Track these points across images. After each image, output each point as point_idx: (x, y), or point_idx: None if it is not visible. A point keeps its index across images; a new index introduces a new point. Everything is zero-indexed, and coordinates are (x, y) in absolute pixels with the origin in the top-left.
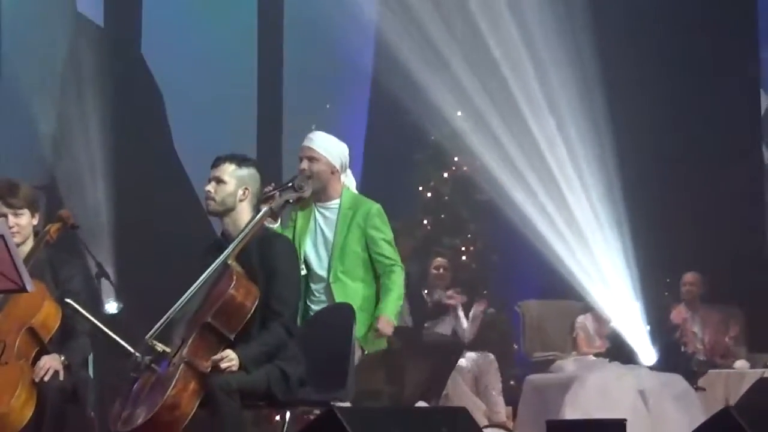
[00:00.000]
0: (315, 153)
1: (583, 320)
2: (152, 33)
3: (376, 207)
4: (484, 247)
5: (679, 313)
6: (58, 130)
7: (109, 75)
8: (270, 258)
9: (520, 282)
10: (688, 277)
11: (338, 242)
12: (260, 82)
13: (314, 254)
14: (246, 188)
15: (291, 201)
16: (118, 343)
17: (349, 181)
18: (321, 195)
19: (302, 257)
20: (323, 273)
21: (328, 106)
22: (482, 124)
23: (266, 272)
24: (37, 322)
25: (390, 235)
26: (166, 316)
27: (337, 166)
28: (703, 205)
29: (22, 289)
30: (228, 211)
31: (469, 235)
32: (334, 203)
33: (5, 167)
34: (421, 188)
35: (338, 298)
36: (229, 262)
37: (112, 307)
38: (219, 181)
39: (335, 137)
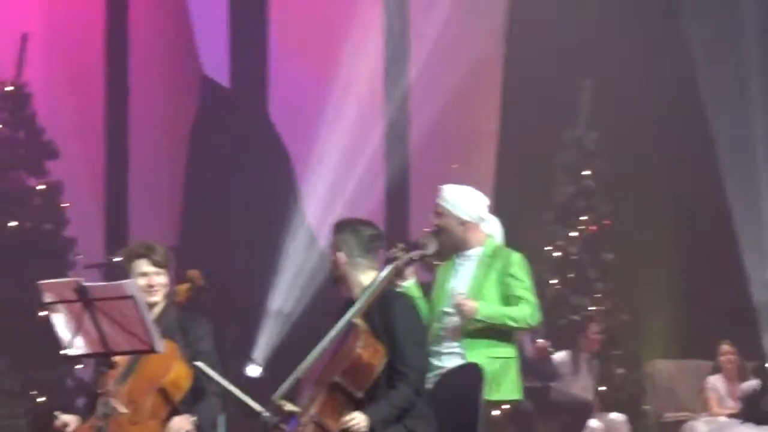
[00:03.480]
0: (440, 208)
1: (714, 381)
2: (279, 92)
3: (517, 255)
4: (613, 307)
5: None
6: (185, 191)
7: (236, 137)
8: (390, 318)
9: (649, 341)
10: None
11: (474, 286)
12: (387, 141)
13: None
14: (342, 253)
15: (415, 259)
16: (248, 403)
17: (494, 229)
18: (460, 247)
19: (439, 310)
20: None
21: (454, 166)
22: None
23: (389, 332)
24: (168, 383)
25: (529, 284)
26: (293, 376)
27: (467, 218)
28: None
29: (153, 350)
30: (340, 278)
31: (598, 295)
32: (474, 252)
33: (139, 227)
34: (549, 248)
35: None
36: (355, 320)
37: (254, 371)
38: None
39: (469, 189)
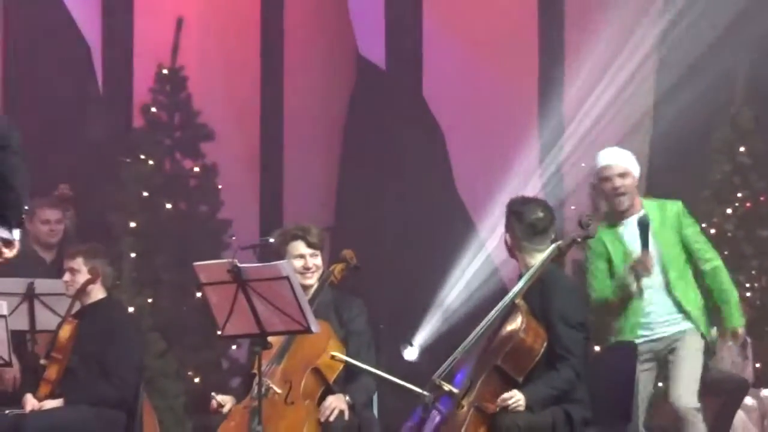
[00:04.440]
0: (623, 169)
1: None
2: (434, 76)
3: (680, 205)
4: None
5: None
6: (339, 177)
7: (391, 118)
8: (551, 300)
9: None
10: None
11: (664, 251)
12: (541, 122)
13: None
14: (508, 234)
15: (579, 240)
16: (401, 384)
17: None
18: (628, 211)
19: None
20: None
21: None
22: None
23: (549, 314)
24: (323, 363)
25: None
26: (453, 356)
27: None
28: None
29: (308, 330)
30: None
31: (753, 272)
32: (636, 215)
33: (294, 205)
34: (704, 225)
35: (683, 301)
36: (517, 301)
37: (411, 354)
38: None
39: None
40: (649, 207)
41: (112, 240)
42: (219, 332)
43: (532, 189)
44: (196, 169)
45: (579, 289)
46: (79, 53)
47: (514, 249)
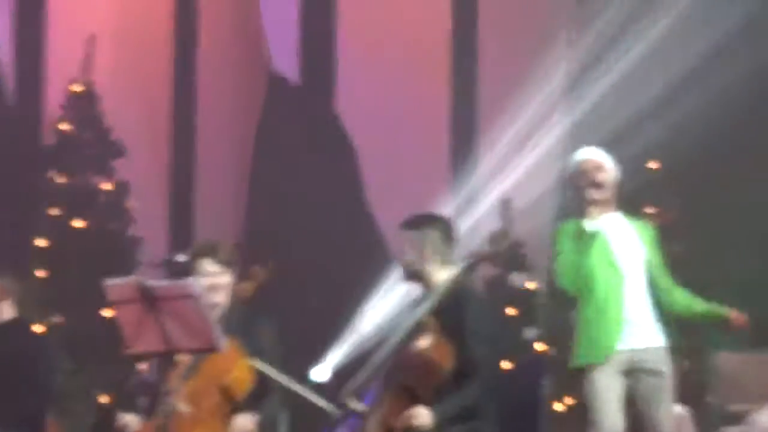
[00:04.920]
0: (600, 163)
1: None
2: (347, 91)
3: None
4: None
5: None
6: (250, 190)
7: (303, 134)
8: (462, 314)
9: (715, 332)
10: None
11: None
12: (452, 137)
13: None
14: (425, 249)
15: (488, 257)
16: (311, 399)
17: None
18: (605, 206)
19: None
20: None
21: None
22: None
23: (460, 329)
24: (231, 381)
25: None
26: (363, 374)
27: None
28: None
29: (216, 348)
30: (415, 274)
31: None
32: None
33: (204, 222)
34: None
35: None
36: (426, 319)
37: (321, 374)
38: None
39: None
40: (625, 218)
41: (22, 258)
42: (127, 350)
43: (444, 206)
44: (107, 186)
45: (491, 305)
46: None
47: (424, 265)
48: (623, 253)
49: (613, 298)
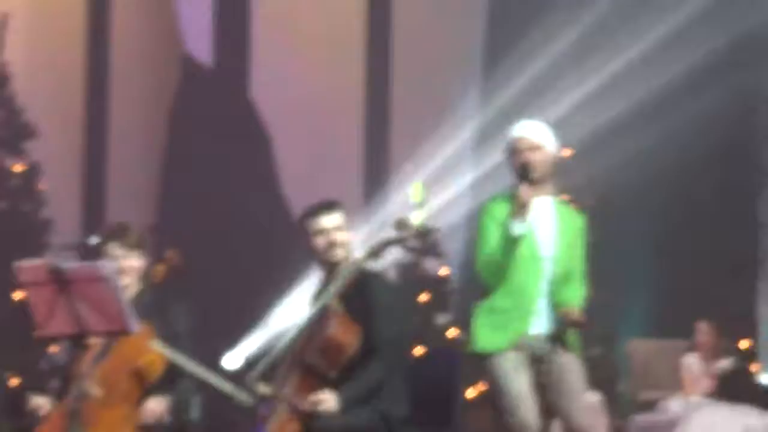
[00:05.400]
0: (534, 142)
1: (690, 360)
2: (262, 74)
3: (583, 220)
4: (589, 286)
5: None
6: (163, 173)
7: (217, 117)
8: (369, 297)
9: (626, 321)
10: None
11: (560, 245)
12: (367, 125)
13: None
14: (347, 232)
15: (394, 241)
16: (221, 387)
17: None
18: (539, 188)
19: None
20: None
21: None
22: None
23: (367, 311)
24: (143, 365)
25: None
26: (268, 358)
27: (556, 156)
28: None
29: (127, 332)
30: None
31: None
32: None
33: (117, 205)
34: None
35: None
36: (330, 303)
37: (232, 361)
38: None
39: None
40: (557, 202)
41: None
42: (38, 332)
43: (356, 192)
44: (19, 167)
45: (398, 288)
46: None
47: (346, 249)
48: (547, 245)
49: (529, 289)
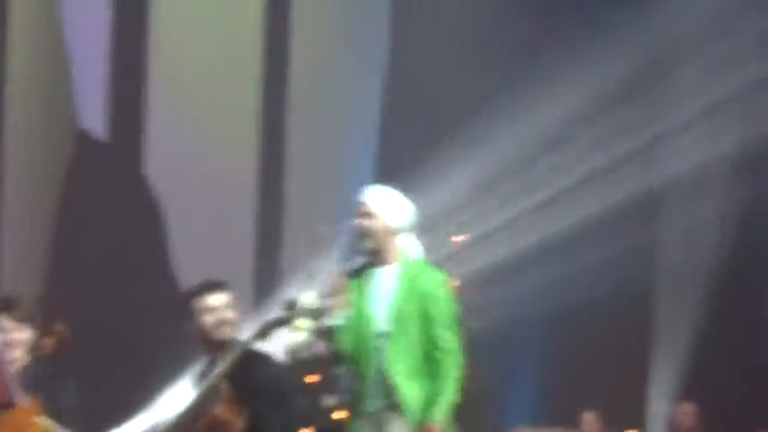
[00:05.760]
0: (368, 209)
1: None
2: (156, 149)
3: (440, 278)
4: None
5: None
6: (53, 246)
7: (110, 191)
8: (254, 378)
9: (513, 407)
10: (686, 407)
11: (398, 305)
12: (261, 198)
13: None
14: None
15: (281, 322)
16: None
17: (411, 248)
18: (376, 260)
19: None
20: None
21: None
22: None
23: (253, 392)
24: None
25: (450, 315)
26: None
27: (396, 227)
28: None
29: (14, 405)
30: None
31: None
32: (390, 268)
33: (6, 278)
34: None
35: (393, 358)
36: (217, 382)
37: None
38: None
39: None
40: (406, 265)
41: None
42: None
43: (247, 270)
44: None
45: (285, 369)
46: None
47: (234, 326)
48: (384, 313)
49: (369, 359)
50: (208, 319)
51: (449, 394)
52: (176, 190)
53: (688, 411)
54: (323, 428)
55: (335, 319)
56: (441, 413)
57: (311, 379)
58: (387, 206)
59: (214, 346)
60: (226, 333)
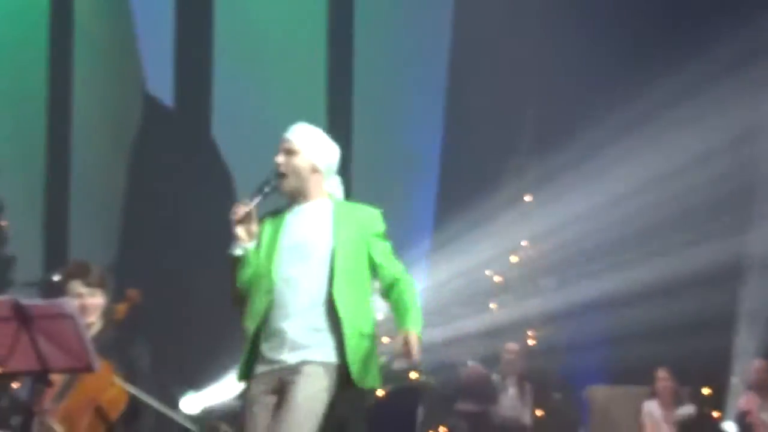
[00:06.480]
0: (292, 145)
1: (650, 406)
2: (224, 114)
3: (379, 212)
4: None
5: (748, 401)
6: (124, 211)
7: (179, 157)
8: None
9: (587, 367)
10: (757, 364)
11: (339, 237)
12: None
13: (295, 268)
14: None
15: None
16: (179, 421)
17: (336, 189)
18: (297, 198)
19: (276, 277)
20: (312, 285)
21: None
22: None
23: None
24: (105, 402)
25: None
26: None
27: (320, 166)
28: None
29: (90, 369)
30: None
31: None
32: (314, 204)
33: (79, 245)
34: (488, 272)
35: (345, 319)
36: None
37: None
38: None
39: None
40: (337, 201)
41: None
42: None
43: None
44: None
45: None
46: None
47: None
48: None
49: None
50: None
51: (418, 306)
52: (243, 151)
53: (761, 368)
54: (397, 388)
55: (237, 248)
56: (419, 323)
57: None
58: (312, 144)
59: None
60: None
